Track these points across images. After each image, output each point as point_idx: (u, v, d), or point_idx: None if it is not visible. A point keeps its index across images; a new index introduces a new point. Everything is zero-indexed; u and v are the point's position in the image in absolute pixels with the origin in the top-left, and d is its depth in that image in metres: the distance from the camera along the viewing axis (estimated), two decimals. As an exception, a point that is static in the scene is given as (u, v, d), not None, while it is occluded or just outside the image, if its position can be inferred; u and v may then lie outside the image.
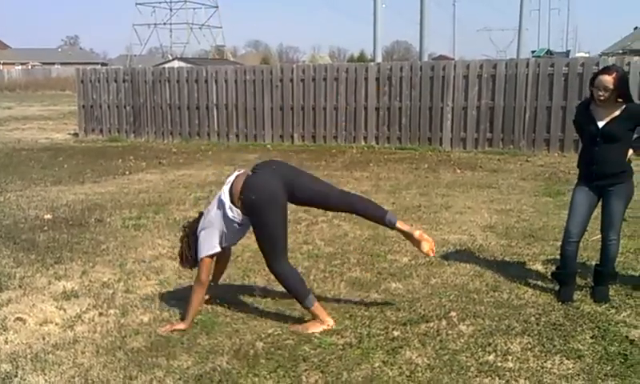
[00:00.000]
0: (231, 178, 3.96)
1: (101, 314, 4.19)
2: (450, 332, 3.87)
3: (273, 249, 3.90)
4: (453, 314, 4.13)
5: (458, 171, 9.75)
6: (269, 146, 13.00)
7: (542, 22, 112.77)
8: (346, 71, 12.88)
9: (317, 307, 3.93)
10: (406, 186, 8.54)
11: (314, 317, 3.93)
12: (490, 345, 3.69)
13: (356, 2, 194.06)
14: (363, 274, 4.95)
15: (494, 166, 10.23)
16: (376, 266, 5.16)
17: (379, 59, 18.70)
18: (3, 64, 74.11)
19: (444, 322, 4.01)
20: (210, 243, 3.92)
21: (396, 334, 3.84)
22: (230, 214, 3.84)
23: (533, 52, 44.61)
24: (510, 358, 3.53)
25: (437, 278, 4.84)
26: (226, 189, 3.90)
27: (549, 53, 44.02)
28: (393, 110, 12.44)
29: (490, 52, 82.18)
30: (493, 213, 6.97)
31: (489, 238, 5.97)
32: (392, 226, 4.00)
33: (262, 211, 3.80)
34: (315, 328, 3.88)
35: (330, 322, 3.91)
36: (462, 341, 3.75)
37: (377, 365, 3.46)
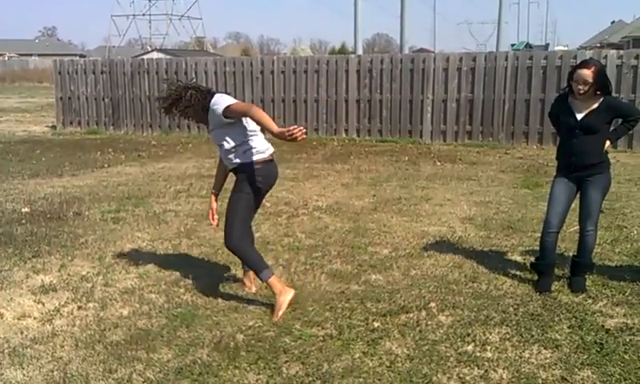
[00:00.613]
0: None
1: (80, 308, 4.15)
2: (429, 323, 3.90)
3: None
4: (432, 304, 4.17)
5: (438, 164, 9.81)
6: (249, 138, 12.94)
7: (521, 16, 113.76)
8: (326, 63, 12.86)
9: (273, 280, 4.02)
10: (386, 179, 8.57)
11: (273, 291, 4.00)
12: (468, 335, 3.73)
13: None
14: (344, 266, 4.97)
15: (474, 159, 10.31)
16: (356, 258, 5.18)
17: (360, 51, 18.72)
18: (-22, 55, 72.84)
19: (423, 313, 4.04)
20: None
21: (376, 325, 3.87)
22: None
23: (512, 45, 44.94)
24: (488, 348, 3.57)
25: (417, 270, 4.88)
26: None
27: (528, 46, 44.33)
28: (373, 102, 12.46)
29: (471, 45, 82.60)
30: (472, 205, 7.03)
31: (468, 230, 6.02)
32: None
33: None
34: (284, 304, 3.94)
35: (291, 291, 4.02)
36: (442, 331, 3.78)
37: (357, 356, 3.48)
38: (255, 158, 4.01)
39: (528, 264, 4.84)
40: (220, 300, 4.28)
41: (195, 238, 5.77)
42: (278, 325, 3.85)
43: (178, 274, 4.82)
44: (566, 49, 27.52)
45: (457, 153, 10.90)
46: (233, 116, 3.88)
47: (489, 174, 8.89)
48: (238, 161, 4.03)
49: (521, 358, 3.46)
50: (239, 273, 4.81)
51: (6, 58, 66.95)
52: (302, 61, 13.22)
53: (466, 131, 12.02)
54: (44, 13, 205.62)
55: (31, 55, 71.84)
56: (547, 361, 3.42)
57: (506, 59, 11.75)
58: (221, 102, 3.92)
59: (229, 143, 3.99)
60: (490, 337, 3.71)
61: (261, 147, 4.05)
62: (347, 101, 12.63)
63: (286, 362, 3.41)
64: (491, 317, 3.99)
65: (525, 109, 11.62)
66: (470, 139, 11.97)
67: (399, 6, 19.88)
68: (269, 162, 4.10)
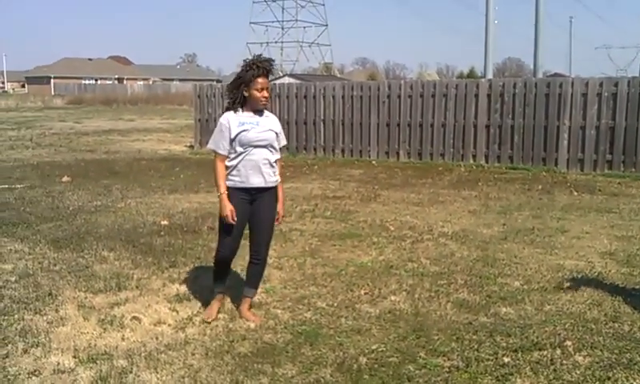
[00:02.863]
0: None
1: (217, 311, 4.33)
2: (564, 362, 3.64)
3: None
4: (568, 343, 3.89)
5: (575, 194, 9.23)
6: (374, 161, 12.99)
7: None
8: (455, 87, 12.63)
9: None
10: (517, 208, 8.19)
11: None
12: (609, 378, 3.44)
13: (465, 19, 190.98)
14: (471, 296, 4.78)
15: (615, 190, 9.60)
16: (485, 288, 4.97)
17: (490, 75, 18.24)
18: (127, 79, 79.75)
19: (558, 351, 3.78)
20: None
21: (506, 360, 3.67)
22: None
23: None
24: (633, 395, 3.26)
25: (551, 305, 4.58)
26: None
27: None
28: (504, 127, 12.02)
29: (609, 71, 77.45)
30: (613, 239, 6.52)
31: (608, 266, 5.58)
32: None
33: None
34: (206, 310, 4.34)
35: (209, 318, 4.24)
36: (578, 372, 3.52)
37: (485, 391, 3.31)
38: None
39: (680, 307, 4.39)
40: (343, 320, 4.28)
41: (319, 258, 5.83)
42: (401, 351, 3.77)
43: (302, 291, 4.89)
44: None
45: (596, 183, 10.20)
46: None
47: (632, 207, 8.23)
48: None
49: (672, 410, 3.13)
50: (362, 295, 4.79)
51: (151, 82, 72.69)
52: (429, 85, 13.09)
53: (606, 160, 11.23)
54: (186, 41, 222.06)
55: (173, 80, 77.56)
56: None
57: (653, 84, 10.87)
58: (216, 132, 4.18)
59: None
60: (634, 383, 3.39)
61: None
62: (476, 126, 12.29)
63: (410, 390, 3.32)
64: (635, 361, 3.65)
65: (675, 138, 10.65)
66: (610, 169, 11.16)
67: (532, 28, 19.16)
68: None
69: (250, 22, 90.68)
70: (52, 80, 76.28)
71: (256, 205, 4.17)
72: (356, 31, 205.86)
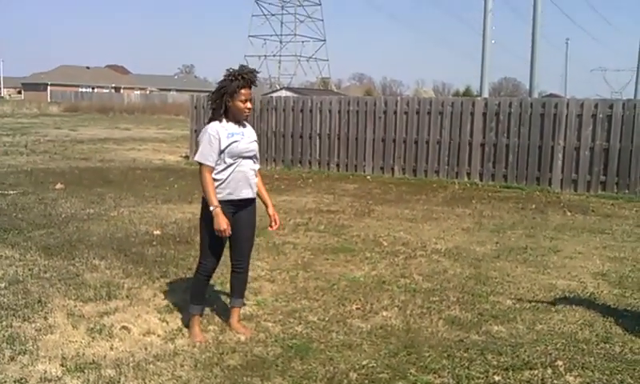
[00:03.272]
0: None
1: (201, 330, 4.28)
2: (555, 382, 3.64)
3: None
4: (559, 362, 3.88)
5: (569, 214, 9.25)
6: (368, 176, 13.00)
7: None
8: (451, 105, 12.69)
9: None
10: (510, 226, 8.20)
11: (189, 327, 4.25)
12: (600, 401, 3.42)
13: (462, 37, 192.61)
14: (463, 314, 4.77)
15: (608, 211, 9.63)
16: (477, 306, 4.96)
17: (486, 94, 18.34)
18: (124, 88, 79.78)
19: (549, 371, 3.77)
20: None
21: (497, 378, 3.65)
22: None
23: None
24: (623, 417, 3.25)
25: (543, 324, 4.57)
26: None
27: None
28: (499, 146, 12.07)
29: (605, 93, 78.03)
30: (605, 260, 6.53)
31: (600, 286, 5.59)
32: None
33: None
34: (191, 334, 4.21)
35: (198, 339, 4.12)
36: (569, 393, 3.50)
37: (475, 409, 3.29)
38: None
39: (671, 329, 4.38)
40: (334, 335, 4.26)
41: (312, 271, 5.81)
42: (392, 367, 3.75)
43: (294, 305, 4.87)
44: None
45: (589, 204, 10.23)
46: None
47: (624, 228, 8.25)
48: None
49: (663, 433, 3.11)
50: (354, 310, 4.78)
51: (148, 92, 72.75)
52: (425, 102, 13.15)
53: (600, 181, 11.28)
54: (183, 52, 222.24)
55: (170, 90, 77.60)
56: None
57: (648, 107, 10.95)
58: (203, 139, 4.05)
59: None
60: (626, 406, 3.38)
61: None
62: (471, 144, 12.33)
63: (400, 406, 3.30)
64: (626, 382, 3.66)
65: (668, 161, 10.72)
66: (604, 190, 11.21)
67: (529, 49, 19.32)
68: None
69: (249, 35, 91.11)
70: (48, 87, 76.19)
71: (237, 215, 4.15)
72: (354, 47, 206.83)
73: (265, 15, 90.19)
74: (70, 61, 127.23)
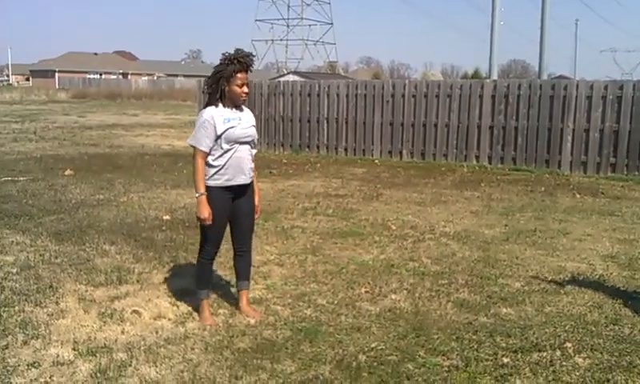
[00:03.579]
0: None
1: (211, 314, 4.32)
2: (564, 363, 3.64)
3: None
4: (568, 344, 3.88)
5: (578, 196, 9.21)
6: (377, 160, 12.98)
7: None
8: (459, 88, 12.61)
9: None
10: (520, 209, 8.18)
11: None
12: (608, 381, 3.45)
13: (470, 20, 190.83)
14: (472, 296, 4.78)
15: (617, 193, 9.58)
16: (485, 288, 4.97)
17: (495, 76, 18.18)
18: (131, 74, 79.78)
19: (558, 353, 3.77)
20: None
21: (505, 360, 3.66)
22: None
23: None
24: (632, 398, 3.26)
25: (552, 307, 4.57)
26: None
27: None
28: (508, 129, 12.00)
29: (615, 74, 77.21)
30: (615, 242, 6.51)
31: (610, 268, 5.57)
32: None
33: None
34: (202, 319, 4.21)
35: (208, 322, 4.13)
36: (577, 374, 3.52)
37: (484, 391, 3.31)
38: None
39: (681, 311, 4.38)
40: (343, 318, 4.28)
41: (320, 255, 5.83)
42: (401, 349, 3.77)
43: (303, 288, 4.90)
44: None
45: (598, 186, 10.18)
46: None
47: (634, 210, 8.21)
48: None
49: (671, 414, 3.12)
50: (363, 293, 4.79)
51: (155, 78, 72.72)
52: (433, 85, 13.07)
53: (610, 163, 11.21)
54: (191, 37, 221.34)
55: (177, 76, 77.48)
56: None
57: (659, 88, 10.84)
58: (198, 128, 4.00)
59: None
60: (635, 386, 3.38)
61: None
62: (480, 127, 12.27)
63: (409, 388, 3.32)
64: (635, 364, 3.65)
65: (679, 142, 10.63)
66: (613, 172, 11.15)
67: (538, 30, 19.12)
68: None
69: (256, 20, 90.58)
70: (56, 74, 76.32)
71: (237, 200, 4.15)
72: (361, 30, 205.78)
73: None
74: (77, 47, 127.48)
